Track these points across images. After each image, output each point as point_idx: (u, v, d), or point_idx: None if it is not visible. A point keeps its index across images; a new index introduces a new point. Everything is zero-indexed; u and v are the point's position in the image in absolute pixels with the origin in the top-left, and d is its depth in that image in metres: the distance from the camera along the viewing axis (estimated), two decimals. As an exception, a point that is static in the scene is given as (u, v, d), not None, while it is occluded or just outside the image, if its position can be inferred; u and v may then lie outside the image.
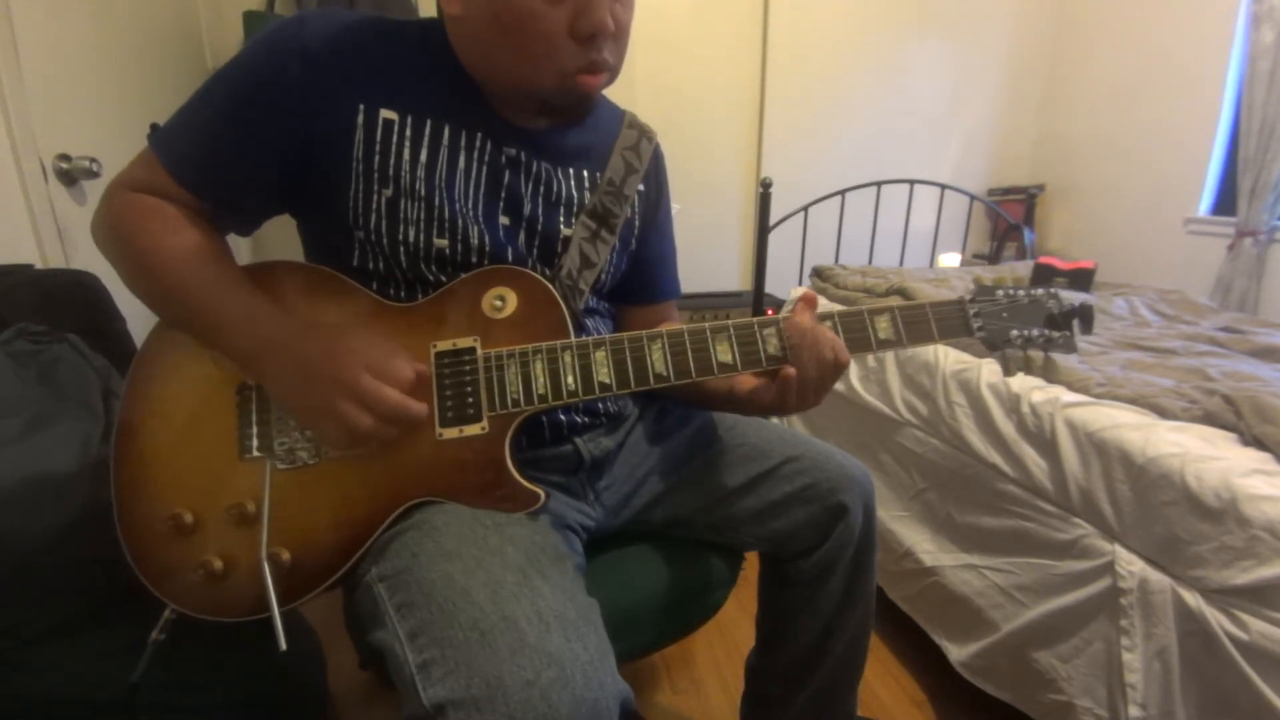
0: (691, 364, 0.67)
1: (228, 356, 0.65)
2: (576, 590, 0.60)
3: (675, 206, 0.93)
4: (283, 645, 0.60)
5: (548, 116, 0.71)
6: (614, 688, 0.53)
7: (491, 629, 0.52)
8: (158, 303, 0.65)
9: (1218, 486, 0.82)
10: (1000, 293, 0.73)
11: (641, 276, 0.87)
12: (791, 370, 0.67)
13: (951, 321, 0.71)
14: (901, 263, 2.45)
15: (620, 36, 0.66)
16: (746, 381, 0.71)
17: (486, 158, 0.70)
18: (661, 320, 0.89)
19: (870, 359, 1.53)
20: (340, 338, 0.62)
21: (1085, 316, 0.72)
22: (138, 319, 0.80)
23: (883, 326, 0.70)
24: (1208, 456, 0.86)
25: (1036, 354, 0.73)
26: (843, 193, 2.24)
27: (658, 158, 0.86)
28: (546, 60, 0.63)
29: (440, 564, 0.57)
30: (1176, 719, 0.87)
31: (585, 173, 0.77)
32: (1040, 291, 0.74)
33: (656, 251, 0.88)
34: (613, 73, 0.68)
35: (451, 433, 0.64)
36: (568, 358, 0.66)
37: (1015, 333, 0.72)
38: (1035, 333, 0.73)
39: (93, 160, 1.23)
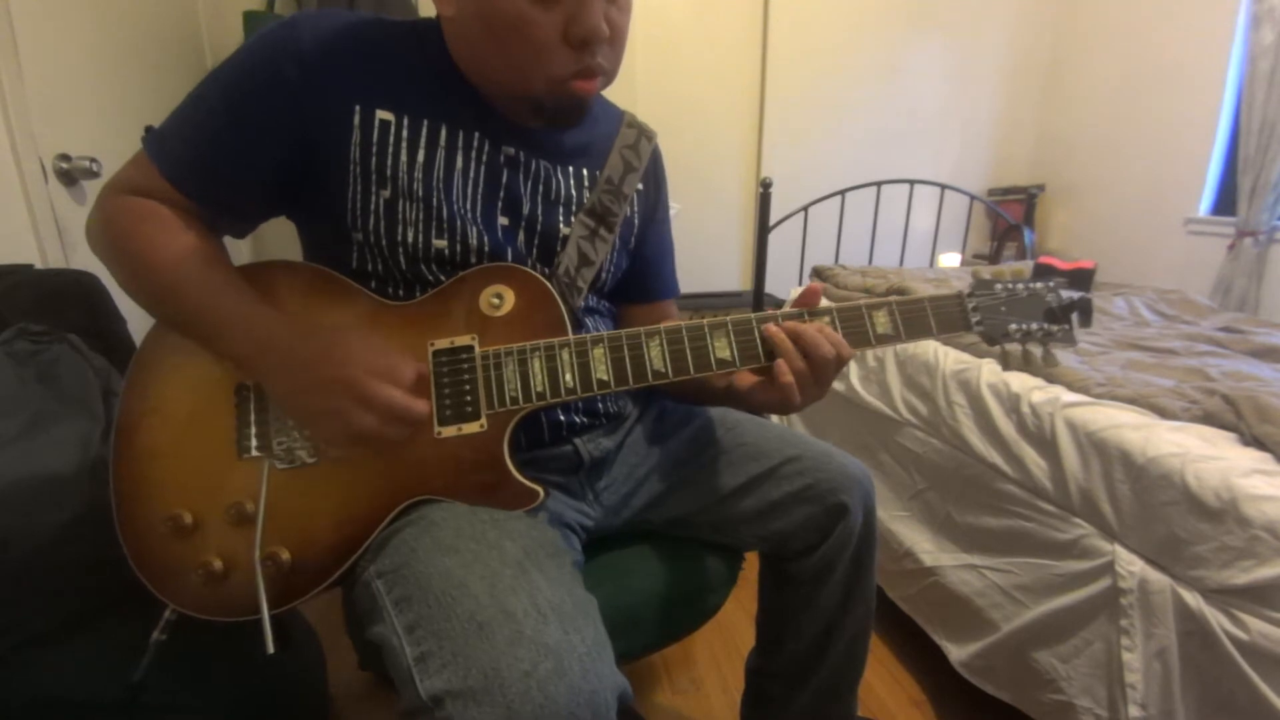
0: (690, 361, 0.67)
1: (225, 359, 0.64)
2: (574, 584, 0.60)
3: (674, 207, 0.93)
4: (270, 648, 0.60)
5: (542, 119, 0.70)
6: (612, 680, 0.53)
7: (489, 621, 0.52)
8: (154, 306, 0.65)
9: (1218, 486, 0.81)
10: (999, 286, 0.72)
11: (642, 275, 0.87)
12: (784, 373, 0.66)
13: (950, 316, 0.71)
14: (901, 263, 2.45)
15: (616, 40, 0.66)
16: (745, 378, 0.71)
17: (485, 157, 0.70)
18: (662, 318, 0.89)
19: (870, 359, 1.53)
20: (337, 340, 0.61)
21: (1084, 309, 0.72)
22: (137, 319, 0.80)
23: (881, 321, 0.69)
24: (1208, 456, 0.86)
25: (1035, 347, 0.73)
26: (843, 193, 2.24)
27: (656, 157, 0.86)
28: (538, 66, 0.63)
29: (438, 558, 0.57)
30: (1176, 719, 0.87)
31: (584, 171, 0.77)
32: (1039, 285, 0.73)
33: (656, 250, 0.88)
34: (608, 77, 0.68)
35: (450, 431, 0.64)
36: (566, 355, 0.66)
37: (1014, 326, 0.72)
38: (1034, 326, 0.72)
39: (93, 160, 1.23)
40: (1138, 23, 2.54)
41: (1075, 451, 1.01)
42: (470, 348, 0.66)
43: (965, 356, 1.30)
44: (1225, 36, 2.25)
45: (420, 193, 0.66)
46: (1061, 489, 1.03)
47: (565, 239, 0.75)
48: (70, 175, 1.22)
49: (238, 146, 0.64)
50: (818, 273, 1.99)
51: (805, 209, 2.22)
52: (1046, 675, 1.03)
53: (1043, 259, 0.74)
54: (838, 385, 1.64)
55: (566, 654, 0.51)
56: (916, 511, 1.37)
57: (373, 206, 0.66)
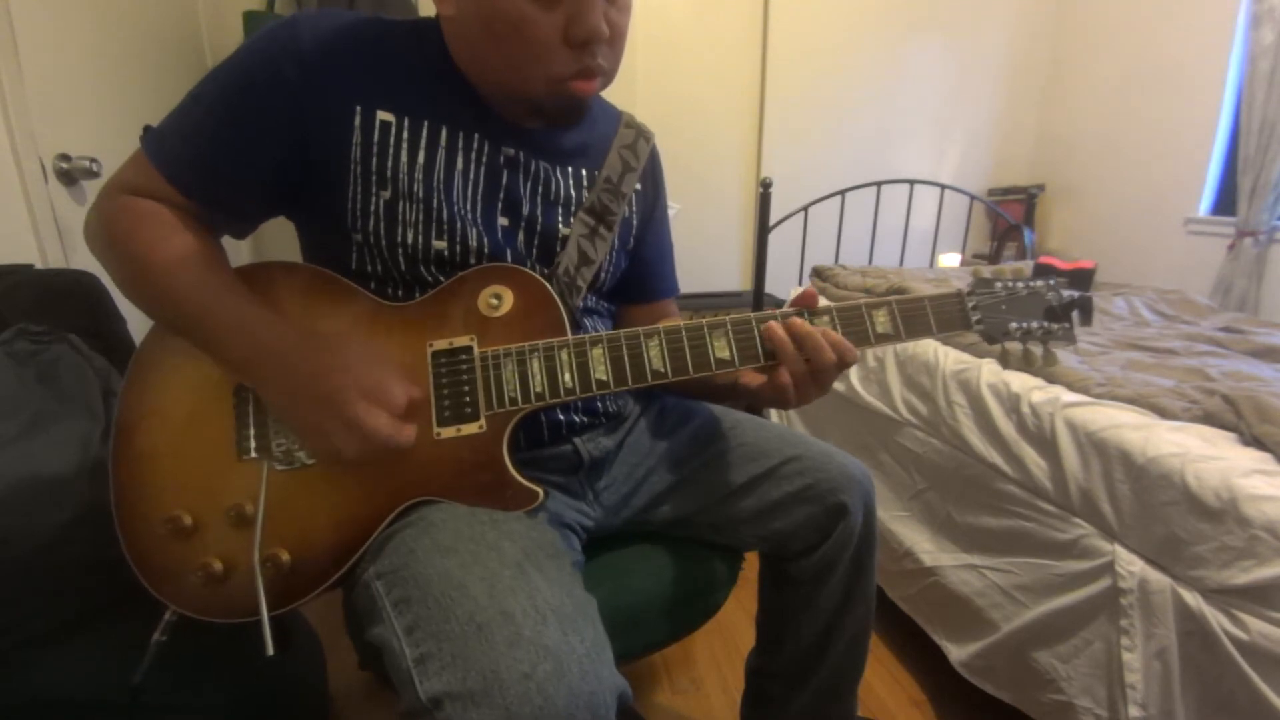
0: (689, 361, 0.67)
1: (222, 363, 0.64)
2: (574, 585, 0.60)
3: (673, 207, 0.93)
4: (269, 649, 0.60)
5: (541, 119, 0.71)
6: (611, 681, 0.53)
7: (488, 622, 0.52)
8: (152, 308, 0.65)
9: (1218, 486, 0.81)
10: (999, 285, 0.71)
11: (641, 275, 0.87)
12: (783, 374, 0.66)
13: (949, 315, 0.70)
14: (901, 263, 2.45)
15: (615, 41, 0.66)
16: (752, 377, 0.71)
17: (484, 159, 0.70)
18: (662, 318, 0.89)
19: (871, 359, 1.53)
20: (335, 355, 0.61)
21: (1084, 308, 0.72)
22: (137, 319, 0.80)
23: (880, 320, 0.69)
24: (1208, 456, 0.86)
25: (1035, 346, 0.72)
26: (843, 193, 2.24)
27: (654, 157, 0.86)
28: (538, 66, 0.63)
29: (437, 559, 0.57)
30: (1176, 719, 0.87)
31: (583, 171, 0.77)
32: (1039, 283, 0.72)
33: (655, 250, 0.88)
34: (607, 77, 0.68)
35: (449, 432, 0.64)
36: (564, 355, 0.66)
37: (1014, 325, 0.71)
38: (1034, 325, 0.72)
39: (93, 160, 1.23)
40: (1138, 23, 2.54)
41: (1075, 451, 1.01)
42: (469, 348, 0.66)
43: (965, 356, 1.30)
44: (1225, 36, 2.24)
45: (420, 194, 0.66)
46: (1061, 489, 1.03)
47: (565, 239, 0.75)
48: (70, 175, 1.22)
49: (237, 146, 0.64)
50: (818, 273, 1.98)
51: (805, 209, 2.22)
52: (1046, 675, 1.03)
53: (1043, 259, 0.74)
54: (838, 385, 1.64)
55: (566, 655, 0.51)
56: (916, 511, 1.37)
57: (373, 207, 0.66)
